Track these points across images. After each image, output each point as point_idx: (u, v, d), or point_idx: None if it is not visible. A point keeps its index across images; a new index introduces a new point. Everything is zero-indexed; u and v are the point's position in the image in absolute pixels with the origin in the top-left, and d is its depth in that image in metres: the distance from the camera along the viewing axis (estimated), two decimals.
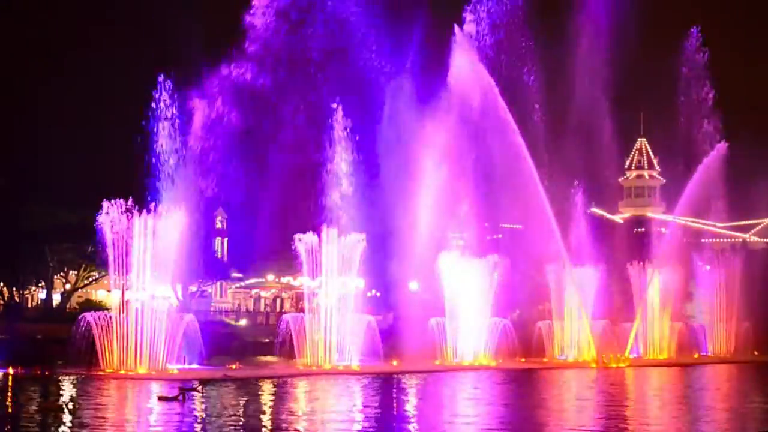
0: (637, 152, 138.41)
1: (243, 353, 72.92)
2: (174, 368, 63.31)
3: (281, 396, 50.87)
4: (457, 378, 65.41)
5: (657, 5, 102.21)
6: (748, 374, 75.50)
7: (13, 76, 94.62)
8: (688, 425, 39.91)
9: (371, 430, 37.49)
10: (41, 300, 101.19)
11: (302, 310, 75.59)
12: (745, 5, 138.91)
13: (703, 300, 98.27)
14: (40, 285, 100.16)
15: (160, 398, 45.98)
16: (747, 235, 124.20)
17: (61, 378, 58.22)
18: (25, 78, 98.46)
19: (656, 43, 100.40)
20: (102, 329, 63.41)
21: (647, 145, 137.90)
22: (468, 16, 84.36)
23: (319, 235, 72.26)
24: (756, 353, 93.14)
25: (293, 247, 73.17)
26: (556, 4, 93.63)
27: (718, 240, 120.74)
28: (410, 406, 47.79)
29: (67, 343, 63.75)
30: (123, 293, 77.32)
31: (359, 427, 37.59)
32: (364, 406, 45.93)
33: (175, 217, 65.51)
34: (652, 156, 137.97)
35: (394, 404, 47.44)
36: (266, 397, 50.83)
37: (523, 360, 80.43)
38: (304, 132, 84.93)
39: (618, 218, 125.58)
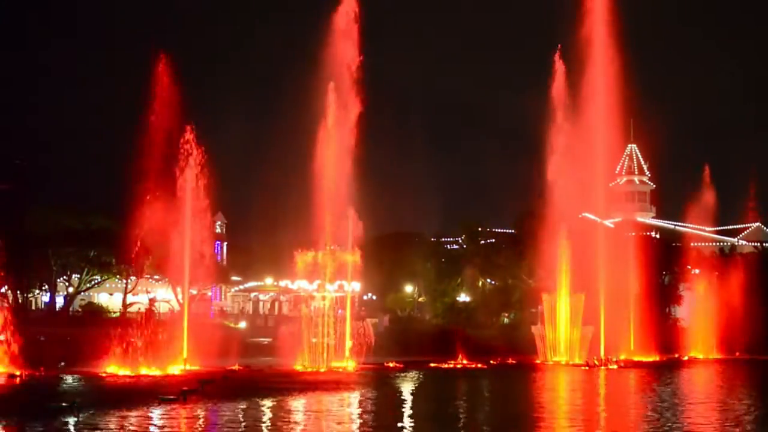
0: (627, 158, 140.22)
1: (243, 355, 74.94)
2: (175, 369, 65.12)
3: None
4: None
5: None
6: (727, 372, 78.03)
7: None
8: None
9: None
10: (45, 303, 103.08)
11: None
12: None
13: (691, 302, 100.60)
14: (43, 288, 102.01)
15: (162, 400, 46.49)
16: (735, 240, 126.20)
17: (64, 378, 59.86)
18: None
19: None
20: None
21: (637, 150, 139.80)
22: None
23: None
24: (737, 354, 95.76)
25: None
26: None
27: (706, 244, 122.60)
28: None
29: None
30: (125, 296, 79.22)
31: None
32: None
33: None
34: (642, 161, 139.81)
35: None
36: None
37: None
38: None
39: (608, 223, 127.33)
